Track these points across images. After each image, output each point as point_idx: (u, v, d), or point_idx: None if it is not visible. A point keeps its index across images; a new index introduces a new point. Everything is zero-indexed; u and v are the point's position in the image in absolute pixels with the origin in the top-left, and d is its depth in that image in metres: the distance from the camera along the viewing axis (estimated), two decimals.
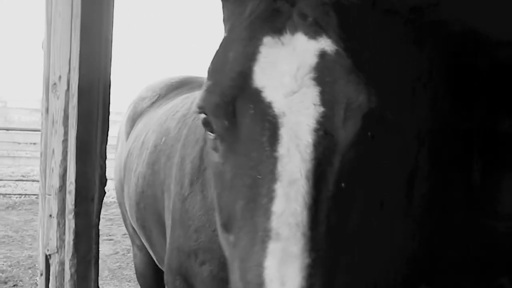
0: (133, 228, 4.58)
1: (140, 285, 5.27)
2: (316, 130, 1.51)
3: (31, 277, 7.08)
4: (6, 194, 13.19)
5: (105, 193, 2.85)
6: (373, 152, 1.85)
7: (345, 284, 1.66)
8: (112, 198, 12.84)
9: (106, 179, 2.86)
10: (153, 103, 4.94)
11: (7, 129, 14.53)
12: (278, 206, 1.42)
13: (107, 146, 2.85)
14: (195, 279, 2.77)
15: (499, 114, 6.55)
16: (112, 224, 10.34)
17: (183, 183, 2.89)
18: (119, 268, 7.91)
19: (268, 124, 1.52)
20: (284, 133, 1.50)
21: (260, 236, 1.40)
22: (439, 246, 6.34)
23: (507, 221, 6.46)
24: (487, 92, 6.60)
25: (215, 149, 1.72)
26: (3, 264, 7.60)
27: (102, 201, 2.83)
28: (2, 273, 7.18)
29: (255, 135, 1.53)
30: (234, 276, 1.50)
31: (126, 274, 7.63)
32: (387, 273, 5.43)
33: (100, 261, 2.96)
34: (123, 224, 10.57)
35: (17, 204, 12.19)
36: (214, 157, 1.74)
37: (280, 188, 1.44)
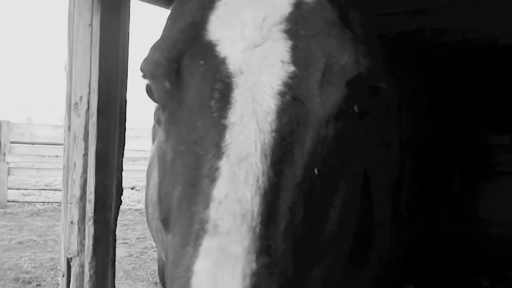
0: None
1: (163, 285, 5.20)
2: (282, 94, 1.05)
3: (53, 278, 7.05)
4: (31, 202, 13.16)
5: (121, 202, 2.86)
6: (360, 141, 1.30)
7: None
8: (127, 205, 12.81)
9: (122, 189, 2.87)
10: None
11: (32, 143, 14.53)
12: (220, 189, 0.96)
13: (123, 159, 2.87)
14: None
15: (476, 128, 6.57)
16: (127, 229, 10.30)
17: None
18: (133, 269, 7.88)
19: (220, 85, 1.07)
20: (239, 95, 1.05)
21: (194, 231, 0.95)
22: (423, 248, 6.32)
23: (483, 226, 6.44)
24: (465, 109, 6.63)
25: (158, 122, 1.27)
26: (27, 266, 7.57)
27: (118, 209, 2.84)
28: (27, 274, 7.15)
29: (202, 99, 1.08)
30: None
31: (140, 275, 7.59)
32: (376, 274, 5.40)
33: (115, 262, 2.95)
34: (137, 229, 10.59)
35: (40, 211, 12.17)
36: (159, 135, 1.29)
37: (225, 166, 0.98)
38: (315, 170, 1.06)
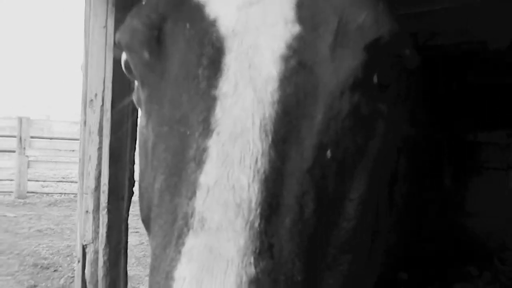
0: None
1: None
2: (285, 59, 0.79)
3: (69, 264, 7.06)
4: (48, 193, 13.20)
5: (133, 192, 2.86)
6: (382, 119, 0.97)
7: None
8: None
9: (134, 181, 2.86)
10: None
11: (50, 138, 14.58)
12: (208, 173, 0.73)
13: (135, 153, 2.86)
14: None
15: (466, 126, 6.57)
16: (138, 219, 10.24)
17: None
18: (144, 256, 7.89)
19: (209, 49, 0.82)
20: (232, 61, 0.80)
21: (176, 228, 0.72)
22: (416, 239, 6.31)
23: (472, 217, 6.43)
24: (456, 108, 6.62)
25: (139, 102, 1.02)
26: (45, 252, 7.59)
27: (131, 199, 2.84)
28: (45, 260, 7.17)
29: (188, 68, 0.83)
30: None
31: None
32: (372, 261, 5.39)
33: (127, 250, 2.95)
34: None
35: (58, 201, 12.20)
36: (140, 120, 1.05)
37: (215, 145, 0.74)
38: (328, 152, 0.80)
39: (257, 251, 0.68)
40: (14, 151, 12.40)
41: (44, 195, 13.03)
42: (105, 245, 2.70)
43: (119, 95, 2.66)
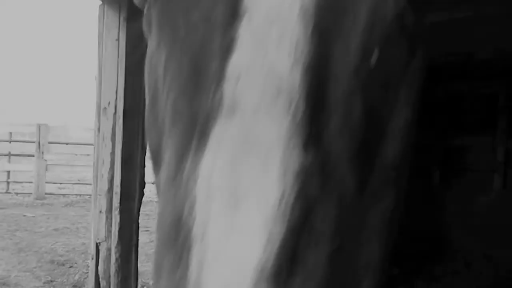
0: None
1: None
2: None
3: (84, 260, 7.05)
4: (65, 194, 13.22)
5: (144, 194, 2.85)
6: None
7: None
8: (149, 198, 12.80)
9: (145, 183, 2.86)
10: None
11: (67, 143, 14.64)
12: (239, 60, 0.55)
13: (146, 157, 2.86)
14: None
15: (451, 133, 6.58)
16: (148, 218, 10.28)
17: None
18: None
19: None
20: None
21: (197, 131, 0.54)
22: (407, 236, 6.28)
23: (459, 217, 6.41)
24: (443, 117, 6.63)
25: (149, 24, 0.78)
26: (62, 250, 7.58)
27: (141, 200, 2.84)
28: (61, 257, 7.16)
29: None
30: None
31: None
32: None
33: (138, 247, 2.95)
34: None
35: (74, 202, 12.19)
36: (150, 44, 0.79)
37: (246, 31, 0.56)
38: (372, 59, 0.61)
39: (304, 139, 0.51)
40: (33, 155, 12.43)
41: (61, 196, 13.03)
42: (117, 243, 2.70)
43: (130, 103, 2.67)
